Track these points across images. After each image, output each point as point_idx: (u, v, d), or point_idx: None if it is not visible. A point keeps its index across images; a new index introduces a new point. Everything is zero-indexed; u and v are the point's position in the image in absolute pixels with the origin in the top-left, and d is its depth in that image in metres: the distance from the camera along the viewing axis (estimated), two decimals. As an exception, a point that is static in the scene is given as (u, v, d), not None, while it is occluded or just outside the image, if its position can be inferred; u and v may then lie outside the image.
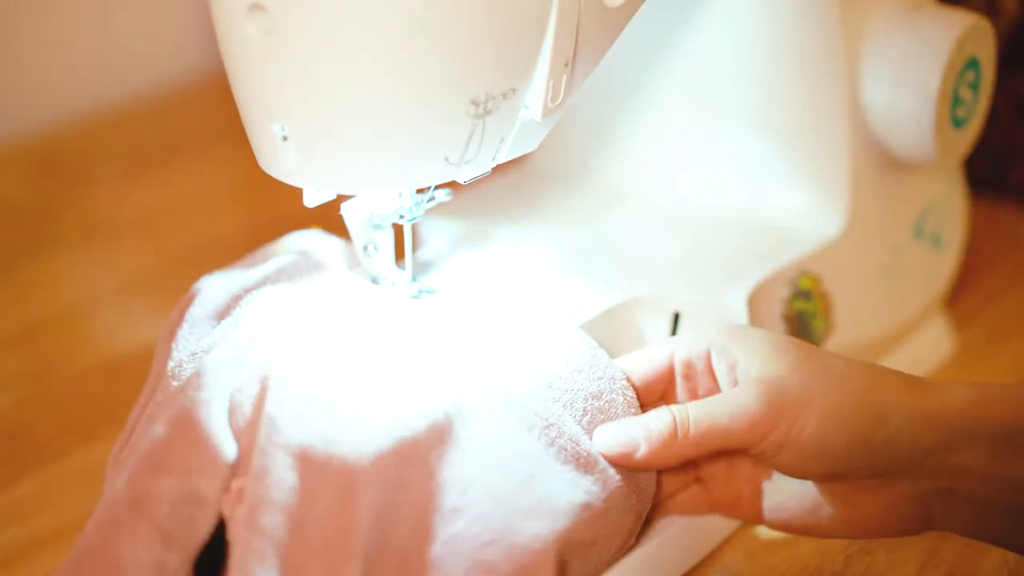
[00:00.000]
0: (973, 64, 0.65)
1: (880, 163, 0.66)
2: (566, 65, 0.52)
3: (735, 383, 0.51)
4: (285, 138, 0.49)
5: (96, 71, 1.09)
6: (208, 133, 1.05)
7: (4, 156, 0.99)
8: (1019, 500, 0.50)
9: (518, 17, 0.48)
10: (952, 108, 0.64)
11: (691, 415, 0.50)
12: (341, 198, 0.56)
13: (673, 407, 0.50)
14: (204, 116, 1.08)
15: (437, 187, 0.57)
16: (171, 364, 0.52)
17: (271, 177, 0.52)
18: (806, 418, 0.49)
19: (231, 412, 0.47)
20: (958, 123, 0.65)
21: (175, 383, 0.50)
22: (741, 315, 0.59)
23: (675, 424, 0.50)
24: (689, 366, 0.53)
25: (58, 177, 0.97)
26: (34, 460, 0.63)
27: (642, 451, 0.50)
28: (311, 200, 0.55)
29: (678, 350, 0.53)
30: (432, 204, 0.57)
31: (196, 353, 0.51)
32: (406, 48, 0.47)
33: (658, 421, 0.50)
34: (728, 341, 0.52)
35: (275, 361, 0.48)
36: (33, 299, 0.80)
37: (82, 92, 1.07)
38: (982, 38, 0.65)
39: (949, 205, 0.72)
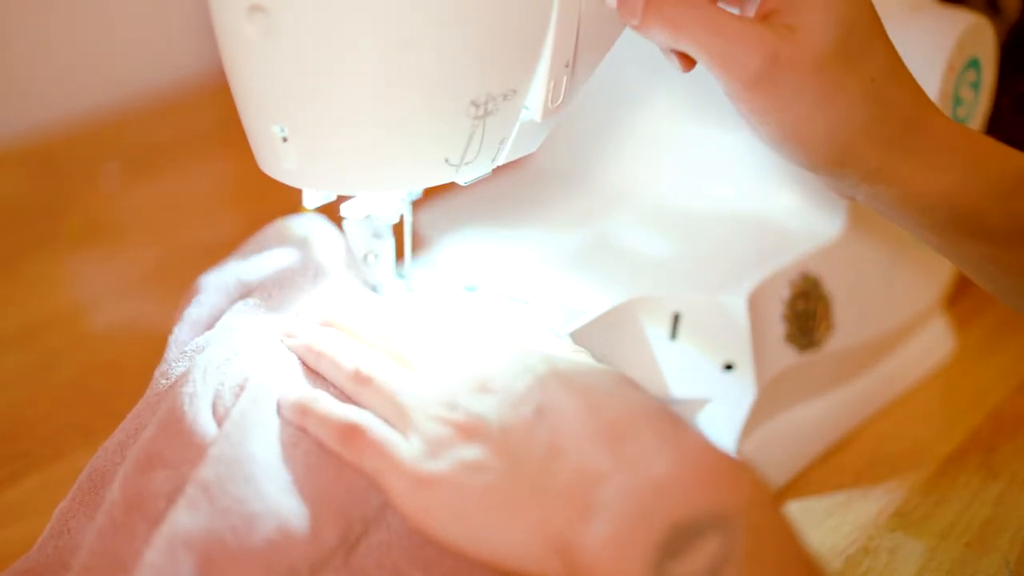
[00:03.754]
0: (974, 64, 0.65)
1: (880, 163, 0.66)
2: (566, 66, 0.51)
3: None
4: (285, 139, 0.49)
5: (96, 71, 1.09)
6: (208, 134, 1.05)
7: (4, 156, 0.99)
8: (943, 245, 0.52)
9: (519, 18, 0.48)
10: (953, 108, 0.64)
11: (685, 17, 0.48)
12: (341, 198, 0.56)
13: None
14: (204, 117, 1.08)
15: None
16: (162, 365, 0.53)
17: (271, 177, 0.52)
18: (778, 115, 0.49)
19: (215, 404, 0.48)
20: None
21: (164, 382, 0.51)
22: (741, 316, 0.59)
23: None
24: None
25: (58, 177, 0.97)
26: (34, 460, 0.63)
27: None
28: (311, 201, 0.55)
29: None
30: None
31: (186, 352, 0.52)
32: (406, 49, 0.46)
33: None
34: None
35: (258, 370, 0.50)
36: (33, 299, 0.80)
37: (82, 92, 1.07)
38: (983, 38, 0.65)
39: (950, 205, 0.72)
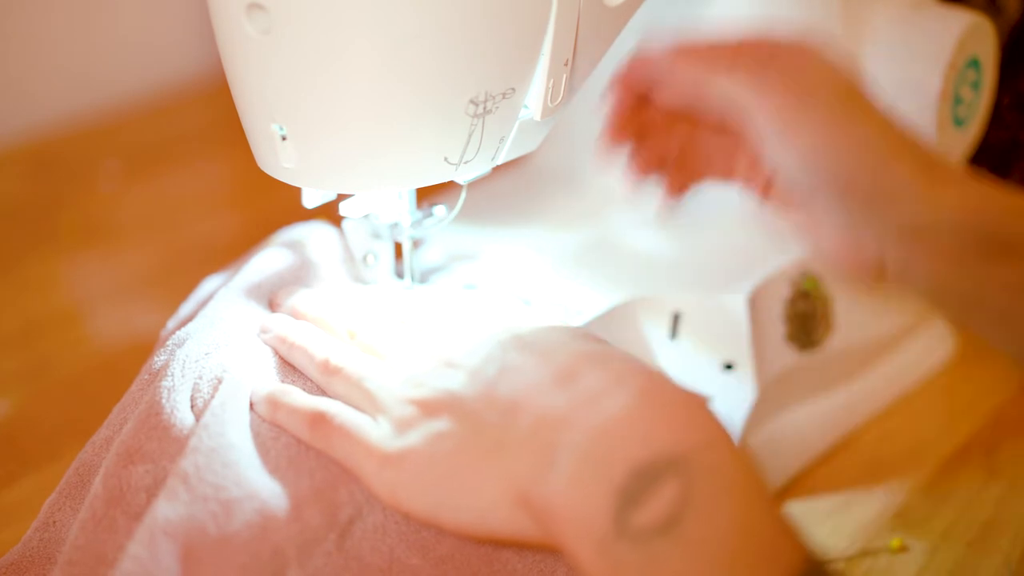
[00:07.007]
0: (974, 63, 0.64)
1: (881, 163, 0.66)
2: (565, 65, 0.51)
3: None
4: (284, 138, 0.49)
5: (96, 71, 1.08)
6: (208, 133, 1.05)
7: (4, 156, 0.99)
8: (969, 287, 0.51)
9: (518, 17, 0.48)
10: (953, 107, 0.64)
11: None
12: (341, 198, 0.56)
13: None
14: (204, 116, 1.07)
15: (436, 204, 0.57)
16: (149, 359, 0.53)
17: (271, 177, 0.52)
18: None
19: (193, 397, 0.48)
20: (959, 122, 0.65)
21: (146, 376, 0.51)
22: (741, 315, 0.59)
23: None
24: None
25: (58, 177, 0.97)
26: (34, 460, 0.63)
27: None
28: (310, 200, 0.55)
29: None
30: (431, 219, 0.57)
31: (167, 346, 0.52)
32: (405, 48, 0.46)
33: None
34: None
35: (236, 363, 0.50)
36: (32, 299, 0.80)
37: (82, 92, 1.07)
38: (983, 37, 0.65)
39: (950, 205, 0.72)
